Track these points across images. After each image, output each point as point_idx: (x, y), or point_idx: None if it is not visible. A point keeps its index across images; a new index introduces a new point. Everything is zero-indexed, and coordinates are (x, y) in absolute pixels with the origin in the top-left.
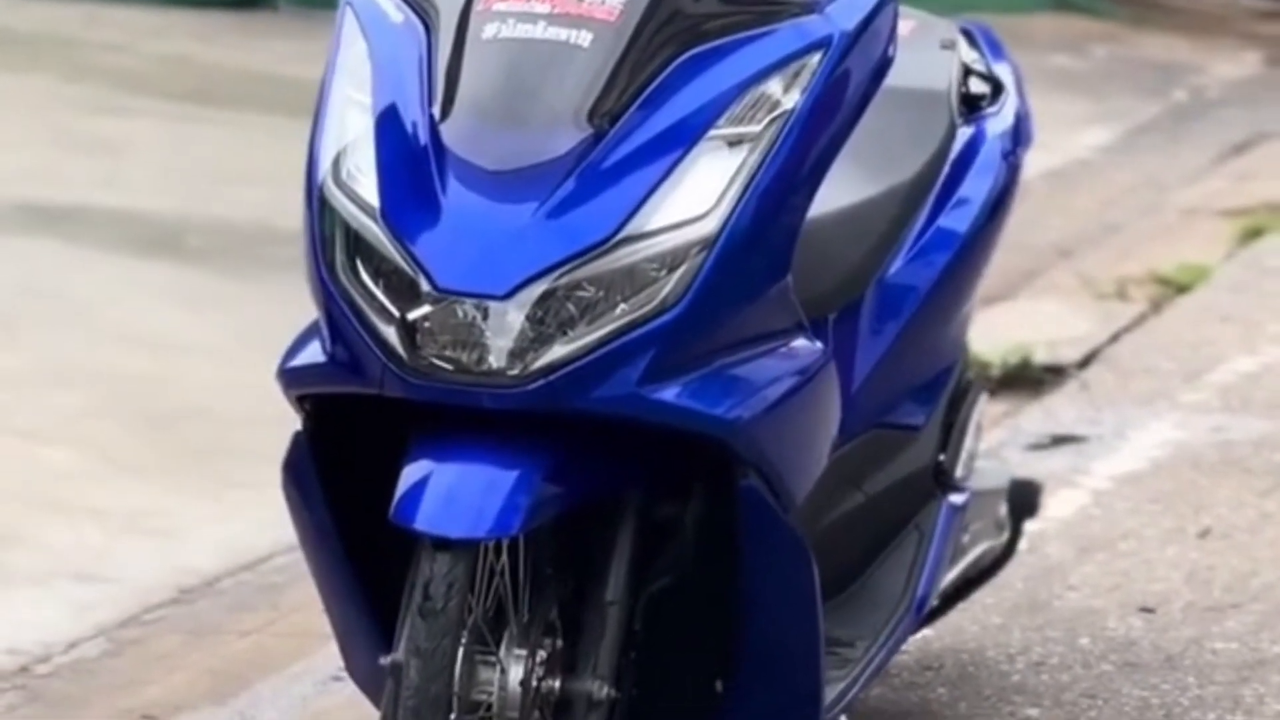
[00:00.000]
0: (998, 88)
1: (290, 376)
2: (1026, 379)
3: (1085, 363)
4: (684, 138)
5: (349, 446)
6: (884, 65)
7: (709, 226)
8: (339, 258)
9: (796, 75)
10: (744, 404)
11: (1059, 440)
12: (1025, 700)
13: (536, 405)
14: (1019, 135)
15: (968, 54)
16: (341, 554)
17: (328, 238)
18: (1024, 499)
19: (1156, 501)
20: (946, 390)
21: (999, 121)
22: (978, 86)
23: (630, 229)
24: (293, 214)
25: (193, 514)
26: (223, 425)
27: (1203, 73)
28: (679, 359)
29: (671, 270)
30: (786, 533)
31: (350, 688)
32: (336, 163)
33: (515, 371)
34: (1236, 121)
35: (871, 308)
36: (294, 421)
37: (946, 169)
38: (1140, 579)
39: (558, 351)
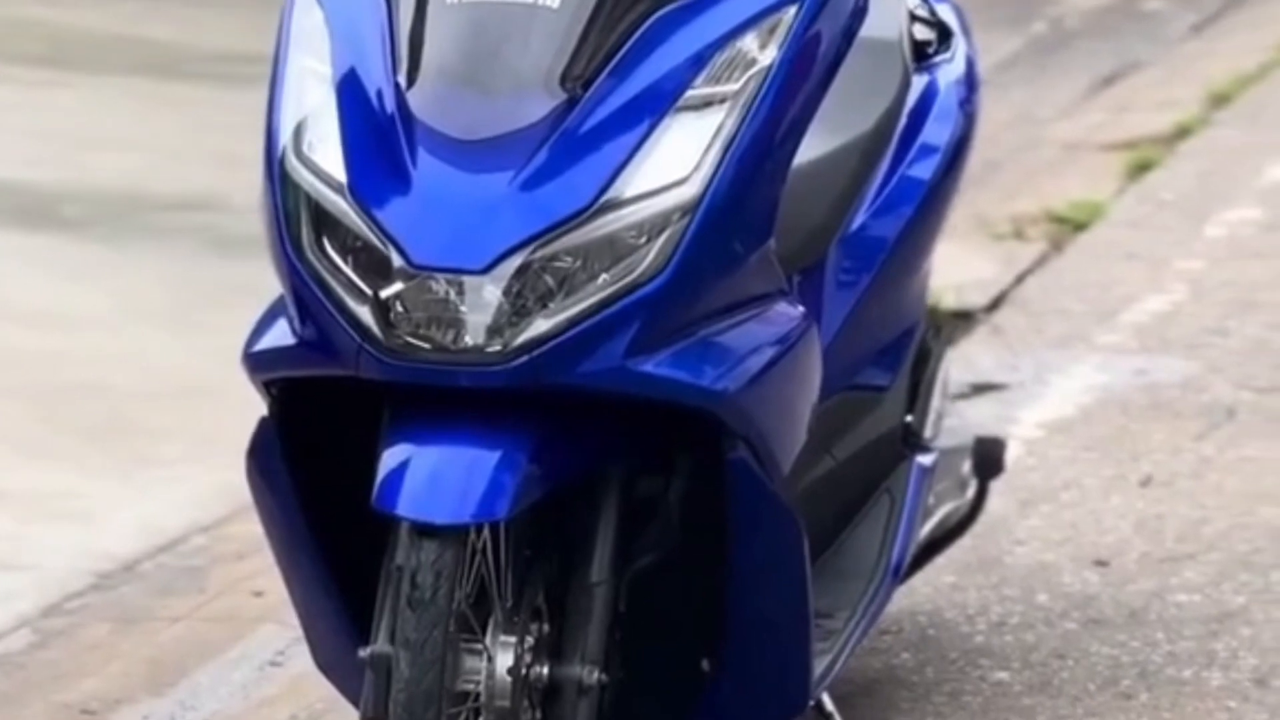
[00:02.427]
0: (943, 32)
1: (257, 361)
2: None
3: (993, 306)
4: (660, 100)
5: (315, 431)
6: (857, 17)
7: (690, 190)
8: (305, 234)
9: (772, 30)
10: (731, 374)
11: (979, 389)
12: (993, 663)
13: (520, 383)
14: (972, 81)
15: None
16: (310, 542)
17: (291, 213)
18: (989, 456)
19: (1091, 449)
20: (911, 349)
21: (952, 69)
22: (923, 33)
23: (609, 196)
24: (166, 179)
25: (102, 495)
26: (120, 401)
27: (1059, 3)
28: (664, 329)
29: (653, 238)
30: (776, 504)
31: (291, 672)
32: (297, 135)
33: (496, 348)
34: (1100, 52)
35: (835, 266)
36: (190, 396)
37: (904, 120)
38: (1089, 531)
39: (540, 326)
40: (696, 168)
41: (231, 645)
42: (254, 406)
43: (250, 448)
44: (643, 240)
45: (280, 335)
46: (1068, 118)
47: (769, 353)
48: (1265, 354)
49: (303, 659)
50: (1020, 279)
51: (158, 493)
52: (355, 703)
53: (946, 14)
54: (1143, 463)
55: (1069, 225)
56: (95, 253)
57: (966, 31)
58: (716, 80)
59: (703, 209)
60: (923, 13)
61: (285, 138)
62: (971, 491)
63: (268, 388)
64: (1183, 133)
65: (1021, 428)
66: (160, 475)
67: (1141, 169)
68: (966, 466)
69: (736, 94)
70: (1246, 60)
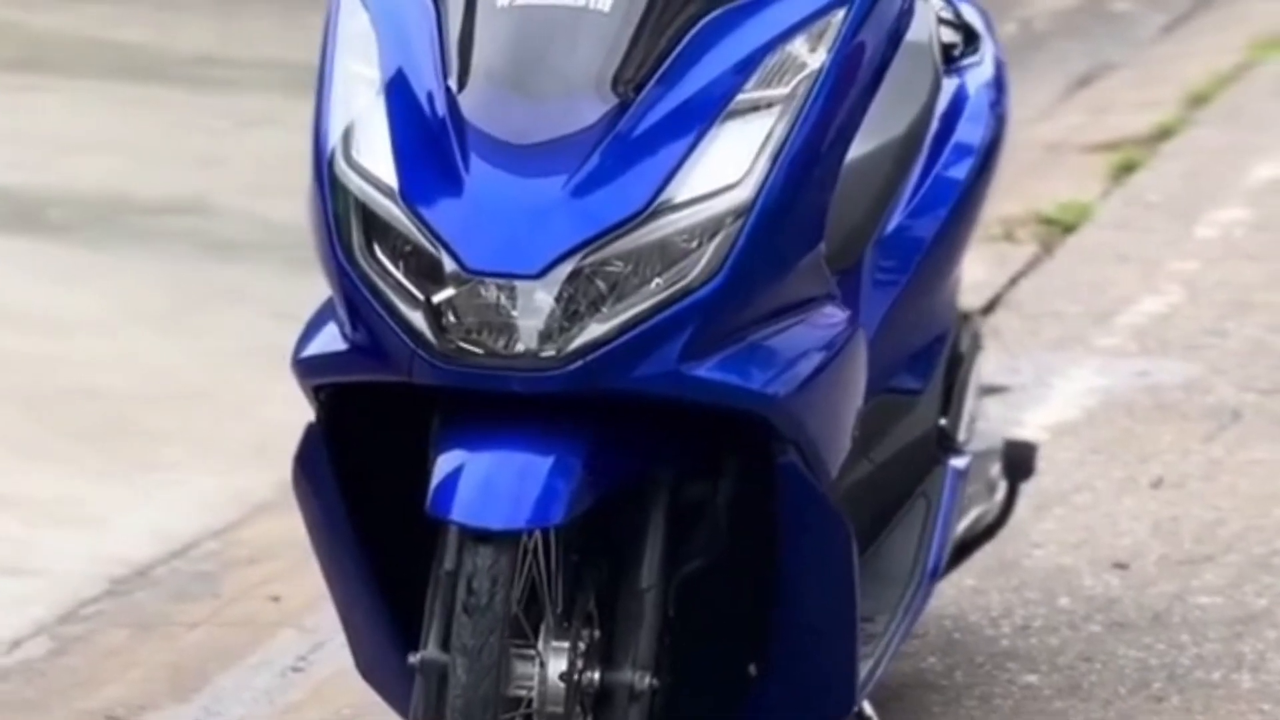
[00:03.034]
0: (968, 35)
1: (307, 366)
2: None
3: (989, 308)
4: (711, 104)
5: (360, 436)
6: (903, 21)
7: (743, 194)
8: (355, 238)
9: (821, 34)
10: (782, 378)
11: (982, 391)
12: (1021, 666)
13: (574, 387)
14: (1001, 84)
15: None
16: (355, 548)
17: (341, 218)
18: (1020, 459)
19: (1099, 451)
20: (944, 353)
21: (981, 71)
22: (948, 35)
23: (661, 201)
24: (150, 182)
25: (108, 500)
26: (117, 404)
27: (1027, 4)
28: (716, 333)
29: (705, 242)
30: (826, 508)
31: (314, 678)
32: (345, 139)
33: (550, 353)
34: (1072, 53)
35: (872, 268)
36: (187, 400)
37: (936, 124)
38: (1105, 533)
39: (594, 331)
40: (749, 171)
41: (251, 651)
42: (251, 410)
43: (297, 454)
44: (694, 244)
45: (330, 340)
46: (1047, 119)
47: (818, 357)
48: (1265, 355)
49: (325, 665)
50: (1014, 281)
51: (164, 497)
52: (397, 708)
53: (971, 15)
54: (1152, 465)
55: (1058, 227)
56: (83, 256)
57: (993, 33)
58: (767, 84)
59: (756, 212)
60: (947, 15)
61: (333, 142)
62: (1001, 494)
63: (316, 393)
64: (1164, 133)
65: (1026, 430)
66: (165, 479)
67: (1125, 170)
68: (995, 469)
69: (787, 98)
70: (1221, 60)
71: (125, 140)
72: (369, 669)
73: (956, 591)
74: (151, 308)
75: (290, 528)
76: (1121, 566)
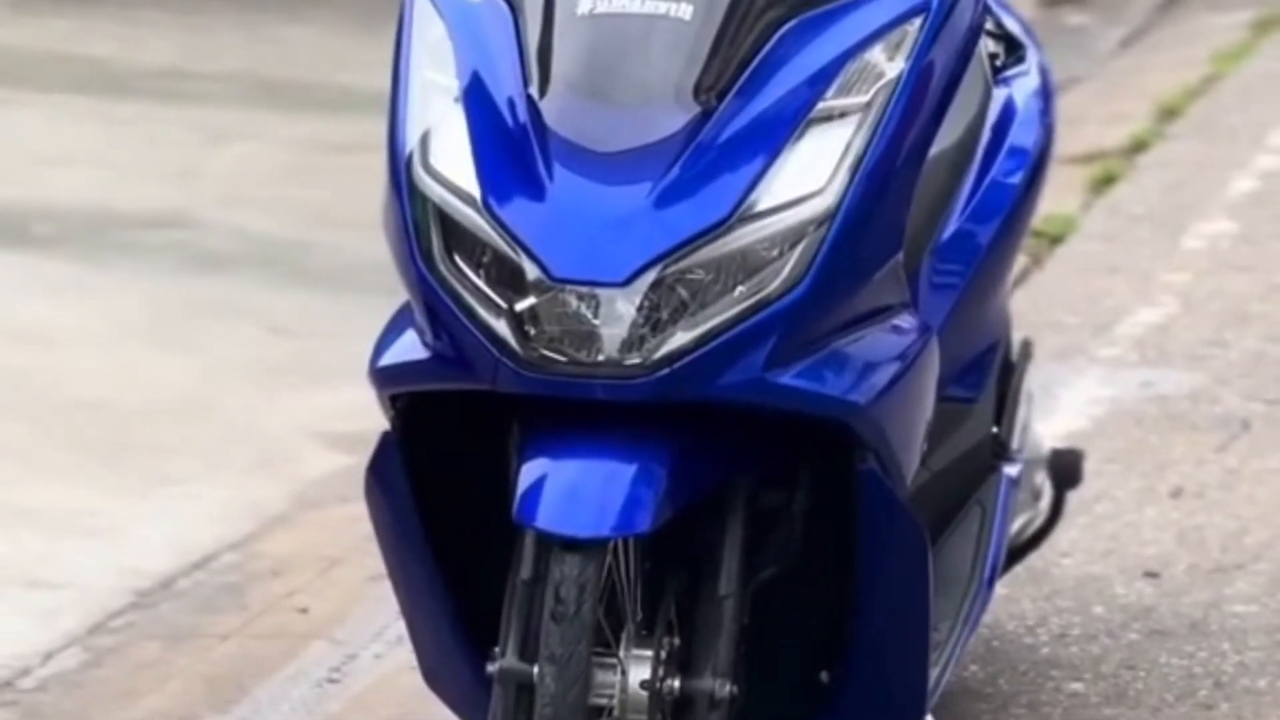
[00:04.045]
0: (1010, 44)
1: (386, 375)
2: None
3: None
4: (792, 112)
5: (433, 444)
6: (977, 27)
7: (826, 202)
8: (435, 246)
9: (899, 43)
10: (864, 385)
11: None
12: (1064, 674)
13: (660, 395)
14: (1047, 93)
15: None
16: (429, 556)
17: (420, 225)
18: (1066, 468)
19: (1114, 461)
20: (996, 362)
21: (1028, 81)
22: (991, 45)
23: (744, 210)
24: (130, 196)
25: (124, 513)
26: (122, 418)
27: None
28: (799, 341)
29: (786, 250)
30: (904, 515)
31: (351, 690)
32: (423, 146)
33: (635, 361)
34: None
35: (929, 275)
36: (190, 413)
37: (987, 134)
38: (1131, 542)
39: (680, 339)
40: (831, 179)
41: (286, 663)
42: (253, 424)
43: (371, 462)
44: (775, 253)
45: (410, 349)
46: None
47: (896, 364)
48: (1268, 366)
49: (360, 677)
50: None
51: (180, 510)
52: (461, 715)
53: (1012, 25)
54: (1169, 474)
55: (1045, 239)
56: (70, 271)
57: (1036, 43)
58: (847, 92)
59: (839, 220)
60: (989, 25)
61: (410, 150)
62: (1046, 502)
63: (393, 401)
64: (1139, 146)
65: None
66: (178, 492)
67: (1105, 182)
68: (1039, 477)
69: (866, 106)
70: (1186, 73)
71: (101, 154)
72: (434, 676)
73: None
74: (141, 321)
75: (309, 540)
76: (1153, 575)
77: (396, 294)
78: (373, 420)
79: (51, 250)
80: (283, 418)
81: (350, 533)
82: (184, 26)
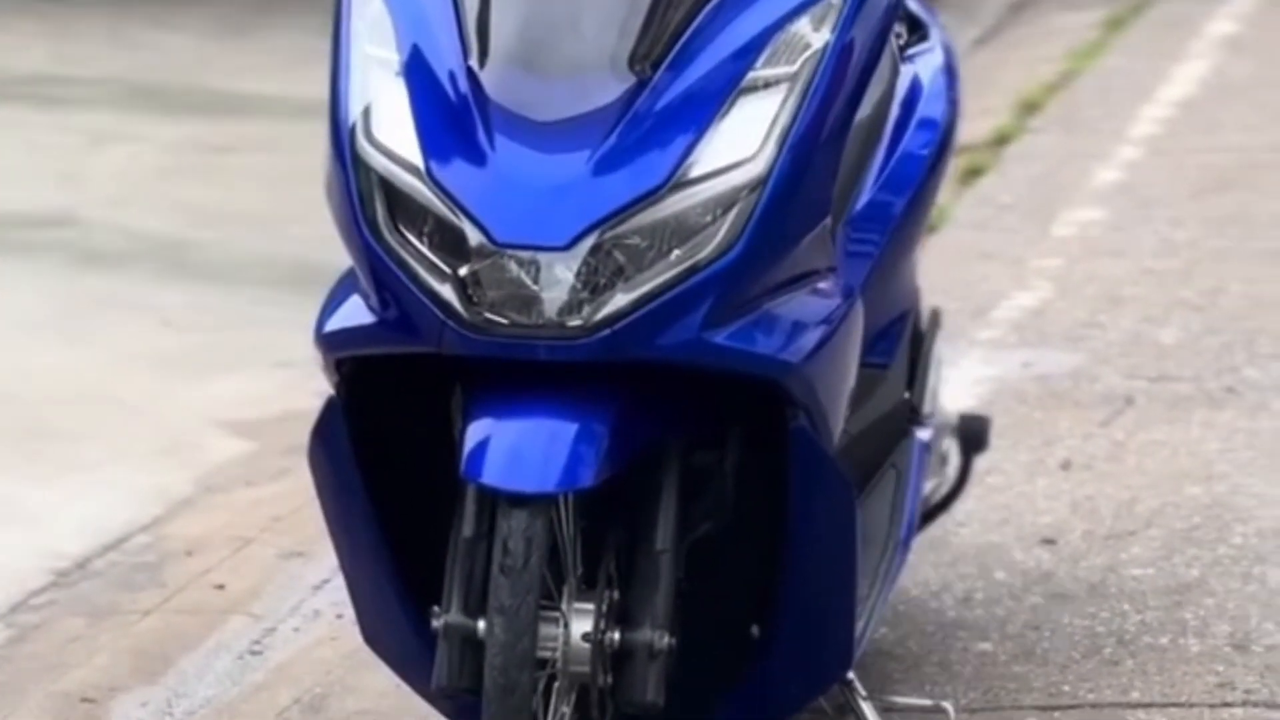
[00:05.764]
0: (913, 23)
1: (333, 340)
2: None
3: None
4: (724, 82)
5: (374, 409)
6: (895, 4)
7: (757, 169)
8: (380, 215)
9: (824, 15)
10: (795, 345)
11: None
12: (971, 635)
13: (601, 356)
14: (952, 70)
15: None
16: (374, 519)
17: (365, 195)
18: (973, 433)
19: (1002, 436)
20: (908, 329)
21: (932, 58)
22: (895, 25)
23: (679, 176)
24: (14, 198)
25: (36, 499)
26: (29, 408)
27: None
28: (734, 302)
29: (722, 215)
30: (834, 471)
31: (273, 661)
32: (366, 119)
33: (577, 323)
34: None
35: (843, 245)
36: (94, 403)
37: (896, 109)
38: (1025, 512)
39: (619, 301)
40: (761, 146)
41: (207, 636)
42: (154, 412)
43: (316, 427)
44: (709, 218)
45: (355, 314)
46: None
47: (824, 326)
48: (1144, 346)
49: (280, 649)
50: None
51: (91, 495)
52: (401, 673)
53: (914, 6)
54: (1057, 449)
55: None
56: None
57: (939, 23)
58: (775, 62)
59: (769, 186)
60: None
61: (353, 122)
62: (953, 467)
63: (338, 366)
64: (1003, 139)
65: None
66: (89, 478)
67: (973, 174)
68: (946, 443)
69: (794, 75)
70: (1043, 70)
71: None
72: (375, 637)
73: None
74: (36, 316)
75: (219, 522)
76: (1049, 542)
77: (281, 287)
78: (269, 408)
79: None
80: (183, 406)
81: (258, 514)
82: (49, 34)
